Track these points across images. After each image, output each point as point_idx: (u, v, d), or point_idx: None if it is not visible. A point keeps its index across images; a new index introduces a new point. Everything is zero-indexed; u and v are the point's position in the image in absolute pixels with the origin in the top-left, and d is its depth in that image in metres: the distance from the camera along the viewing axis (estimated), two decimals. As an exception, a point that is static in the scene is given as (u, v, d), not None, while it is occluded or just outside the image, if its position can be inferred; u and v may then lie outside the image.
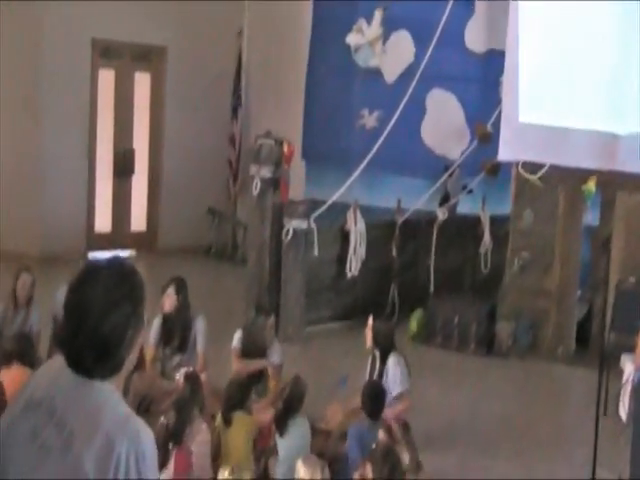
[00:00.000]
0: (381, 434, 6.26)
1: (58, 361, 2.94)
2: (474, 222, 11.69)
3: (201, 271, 12.01)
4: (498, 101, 10.79)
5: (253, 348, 7.90)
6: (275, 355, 7.91)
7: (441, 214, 11.56)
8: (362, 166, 10.98)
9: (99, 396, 2.84)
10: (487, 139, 11.04)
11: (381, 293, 11.00)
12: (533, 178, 9.94)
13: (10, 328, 7.98)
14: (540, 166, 9.86)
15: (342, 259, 10.73)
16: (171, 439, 5.89)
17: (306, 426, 6.74)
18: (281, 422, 6.61)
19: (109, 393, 2.88)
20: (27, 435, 2.83)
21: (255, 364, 7.80)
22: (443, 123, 12.83)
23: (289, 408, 6.69)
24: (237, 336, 7.96)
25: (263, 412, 7.13)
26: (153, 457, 2.82)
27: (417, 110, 12.32)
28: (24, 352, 6.59)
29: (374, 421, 6.63)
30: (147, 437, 2.83)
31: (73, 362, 2.87)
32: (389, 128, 10.99)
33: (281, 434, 6.57)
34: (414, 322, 10.59)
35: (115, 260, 2.98)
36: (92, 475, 2.68)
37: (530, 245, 10.17)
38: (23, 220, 12.89)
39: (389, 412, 6.95)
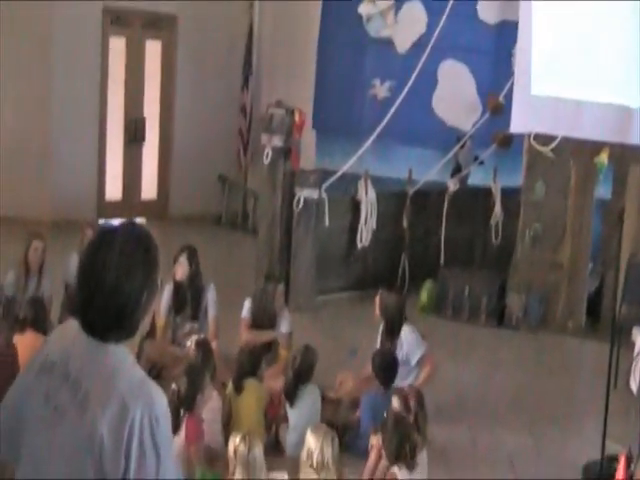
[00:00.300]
0: (395, 403, 6.28)
1: (72, 325, 2.94)
2: (485, 194, 11.65)
3: (211, 240, 12.01)
4: (510, 72, 10.70)
5: (263, 316, 7.92)
6: (284, 324, 7.93)
7: (452, 185, 11.52)
8: (373, 136, 10.94)
9: (114, 359, 2.85)
10: (499, 111, 10.98)
11: (391, 264, 10.99)
12: (545, 150, 9.88)
13: (23, 294, 8.03)
14: (552, 138, 9.80)
15: (353, 229, 10.71)
16: (182, 406, 5.91)
17: (316, 394, 6.76)
18: (291, 391, 6.64)
19: (124, 356, 2.88)
20: (41, 397, 2.84)
21: (264, 335, 7.81)
22: (455, 94, 12.76)
23: (299, 377, 6.71)
24: (246, 305, 7.97)
25: (274, 380, 7.16)
26: (167, 421, 2.83)
27: (429, 81, 12.25)
28: (37, 318, 6.61)
29: (386, 389, 6.65)
30: (161, 401, 2.83)
31: (88, 326, 2.87)
32: (400, 99, 10.94)
33: (291, 404, 6.60)
34: (424, 293, 10.59)
35: (129, 224, 2.98)
36: (106, 438, 2.69)
37: (541, 218, 10.13)
38: (34, 188, 12.91)
39: (417, 382, 6.98)
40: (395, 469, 5.57)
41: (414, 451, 5.60)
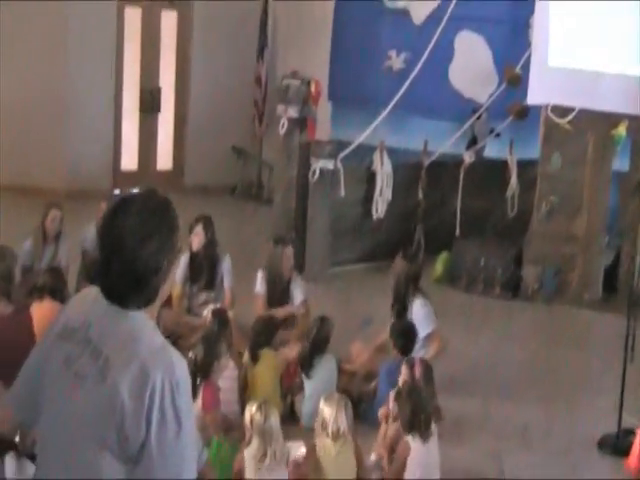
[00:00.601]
0: (404, 373, 6.29)
1: (92, 291, 2.96)
2: (501, 166, 11.61)
3: (226, 210, 12.01)
4: (527, 44, 10.65)
5: (275, 283, 7.89)
6: (298, 292, 7.91)
7: (468, 157, 11.47)
8: (389, 108, 10.89)
9: (134, 325, 2.86)
10: (516, 82, 10.91)
11: (406, 235, 10.97)
12: (562, 122, 9.84)
13: (40, 263, 8.08)
14: (569, 110, 9.76)
15: (368, 200, 10.69)
16: (199, 374, 5.94)
17: (333, 364, 6.79)
18: (307, 362, 6.66)
19: (144, 322, 2.89)
20: (61, 363, 2.85)
21: (280, 312, 7.76)
22: (471, 66, 12.68)
23: (315, 348, 6.74)
24: (260, 277, 7.95)
25: (289, 349, 7.18)
26: (187, 387, 2.85)
27: (445, 52, 12.17)
28: (55, 286, 6.62)
29: (405, 358, 6.66)
30: (182, 367, 2.85)
31: (108, 292, 2.89)
32: (416, 70, 10.88)
33: (307, 375, 6.62)
34: (439, 265, 10.58)
35: (149, 191, 2.99)
36: (127, 403, 2.71)
37: (558, 190, 10.09)
38: (51, 157, 12.94)
39: (426, 355, 6.98)
40: (409, 438, 5.59)
41: (428, 421, 5.61)
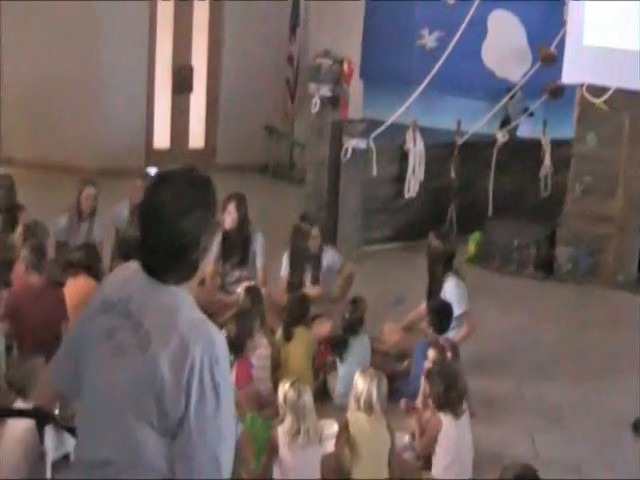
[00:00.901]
0: (431, 353, 6.30)
1: (132, 266, 2.98)
2: (535, 145, 11.52)
3: (258, 189, 12.01)
4: (562, 22, 10.55)
5: (302, 260, 7.86)
6: (330, 259, 7.88)
7: (501, 137, 11.41)
8: (422, 87, 10.84)
9: (174, 300, 2.88)
10: (551, 61, 10.82)
11: (439, 214, 10.93)
12: (598, 101, 9.76)
13: (74, 239, 8.14)
14: (605, 89, 9.67)
15: (400, 179, 10.65)
16: (232, 351, 5.95)
17: (366, 344, 6.80)
18: (341, 344, 6.68)
19: (183, 298, 2.92)
20: (103, 336, 2.88)
21: (312, 291, 7.72)
22: (505, 44, 12.58)
23: (349, 330, 6.76)
24: (285, 262, 7.91)
25: (322, 324, 7.21)
26: (226, 361, 2.87)
27: (478, 31, 12.06)
28: (90, 263, 6.69)
29: (439, 337, 6.66)
30: (220, 342, 2.87)
31: (147, 266, 2.91)
32: (449, 49, 10.81)
33: (341, 358, 6.62)
34: (472, 244, 10.54)
35: (188, 167, 3.00)
36: (167, 375, 2.73)
37: (593, 169, 9.99)
38: (85, 135, 12.98)
39: (455, 336, 6.97)
40: (440, 415, 5.60)
41: (460, 399, 5.61)
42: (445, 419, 5.58)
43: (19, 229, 7.28)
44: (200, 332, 2.83)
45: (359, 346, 6.71)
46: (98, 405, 2.87)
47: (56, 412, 3.82)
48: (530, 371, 7.51)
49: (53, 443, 4.08)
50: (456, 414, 5.58)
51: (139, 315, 2.85)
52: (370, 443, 5.35)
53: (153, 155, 13.70)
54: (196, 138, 14.40)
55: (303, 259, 7.87)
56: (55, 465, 4.17)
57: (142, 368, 2.76)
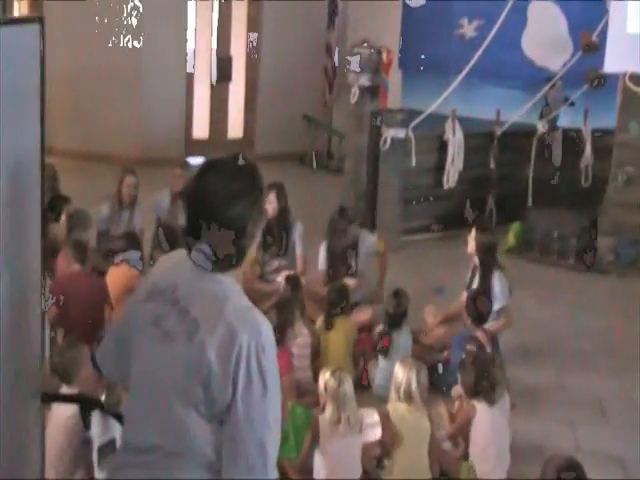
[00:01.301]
0: (470, 346, 6.29)
1: (179, 253, 2.99)
2: (575, 135, 11.42)
3: (296, 179, 12.03)
4: (603, 10, 10.45)
5: (339, 253, 7.85)
6: (367, 245, 7.86)
7: (541, 127, 11.32)
8: (461, 76, 10.78)
9: (221, 287, 2.89)
10: (592, 49, 10.72)
11: (477, 205, 10.88)
12: (641, 90, 9.66)
13: (116, 228, 8.19)
14: (648, 78, 9.57)
15: (439, 169, 10.62)
16: (273, 339, 5.96)
17: (408, 336, 6.79)
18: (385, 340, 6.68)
19: (231, 285, 2.92)
20: (150, 321, 2.90)
21: (352, 282, 7.71)
22: (545, 33, 12.46)
23: (393, 324, 6.74)
24: (322, 254, 7.90)
25: (361, 312, 7.21)
26: (272, 349, 2.87)
27: (518, 20, 11.97)
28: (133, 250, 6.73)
29: (478, 329, 6.63)
30: (267, 329, 2.88)
31: (194, 254, 2.91)
32: (489, 38, 10.73)
33: (385, 354, 6.61)
34: (511, 235, 10.47)
35: (235, 155, 3.00)
36: (215, 363, 2.74)
37: (635, 159, 9.88)
38: (125, 125, 13.08)
39: (491, 327, 6.94)
40: (474, 402, 5.60)
41: (493, 386, 5.60)
42: (479, 405, 5.57)
43: (63, 218, 7.35)
44: (247, 320, 2.84)
45: (402, 339, 6.71)
46: (145, 391, 2.89)
47: (102, 398, 3.85)
48: (571, 362, 7.45)
49: (99, 429, 4.12)
50: (489, 400, 5.57)
51: (186, 302, 2.86)
52: (410, 431, 5.35)
53: (192, 145, 13.78)
54: (235, 128, 14.46)
55: (340, 252, 7.84)
56: (101, 451, 4.20)
57: (189, 355, 2.78)
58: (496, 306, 7.04)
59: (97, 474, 4.29)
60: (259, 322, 2.87)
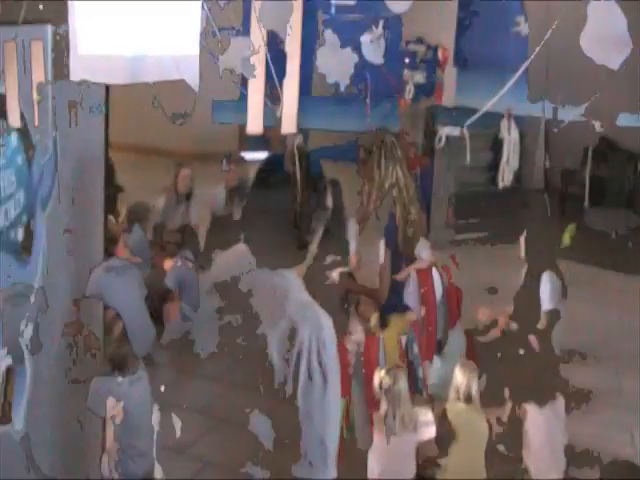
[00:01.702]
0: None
1: (241, 248, 2.99)
2: (633, 135, 11.25)
3: (350, 175, 11.97)
4: (664, 9, 10.26)
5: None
6: (424, 253, 7.82)
7: (598, 126, 11.15)
8: (517, 74, 10.66)
9: (282, 282, 2.89)
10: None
11: (532, 205, 10.76)
12: (701, 89, 9.48)
13: (172, 221, 8.23)
14: None
15: (493, 168, 10.53)
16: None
17: (462, 335, 6.76)
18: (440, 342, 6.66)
19: (292, 281, 2.93)
20: (212, 315, 2.91)
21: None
22: (604, 32, 12.27)
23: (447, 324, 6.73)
24: (382, 248, 7.85)
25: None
26: (333, 344, 2.87)
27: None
28: (187, 244, 6.76)
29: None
30: (328, 324, 2.87)
31: (257, 249, 2.91)
32: (546, 36, 10.60)
33: (440, 353, 6.60)
34: (567, 236, 10.32)
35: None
36: (275, 356, 2.74)
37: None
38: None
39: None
40: (525, 405, 5.58)
41: (540, 390, 5.59)
42: (529, 408, 5.56)
43: (123, 211, 7.42)
44: (308, 315, 2.84)
45: (455, 338, 6.68)
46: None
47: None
48: (629, 365, 7.35)
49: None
50: (540, 402, 5.54)
51: (248, 296, 2.86)
52: (467, 429, 5.38)
53: (246, 140, 13.77)
54: (288, 123, 14.43)
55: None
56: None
57: (252, 348, 2.78)
58: (545, 307, 6.98)
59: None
60: (320, 318, 2.87)
